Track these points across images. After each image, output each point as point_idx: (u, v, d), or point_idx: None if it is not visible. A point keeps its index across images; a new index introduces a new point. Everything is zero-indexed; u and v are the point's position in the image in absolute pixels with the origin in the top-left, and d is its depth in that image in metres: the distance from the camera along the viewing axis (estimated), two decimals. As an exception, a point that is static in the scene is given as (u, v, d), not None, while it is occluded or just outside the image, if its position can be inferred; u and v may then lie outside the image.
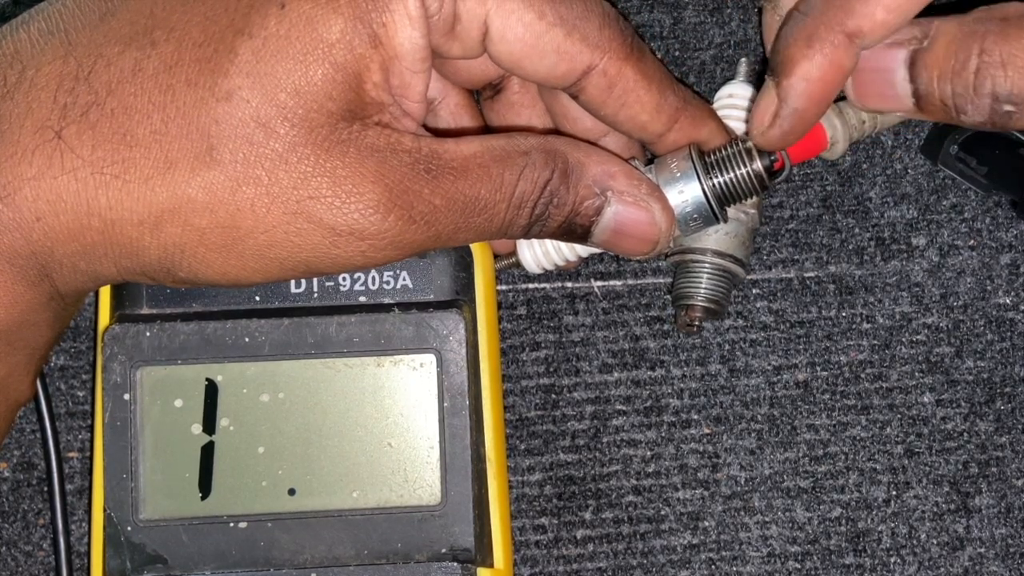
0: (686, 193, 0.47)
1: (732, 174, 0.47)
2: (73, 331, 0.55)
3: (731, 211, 0.50)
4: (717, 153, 0.48)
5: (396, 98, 0.43)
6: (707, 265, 0.51)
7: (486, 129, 0.52)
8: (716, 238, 0.51)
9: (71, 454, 0.54)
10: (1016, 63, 0.41)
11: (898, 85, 0.44)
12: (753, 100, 0.52)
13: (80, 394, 0.54)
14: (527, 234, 0.46)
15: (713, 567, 0.54)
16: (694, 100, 0.48)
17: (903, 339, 0.55)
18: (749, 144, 0.47)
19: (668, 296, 0.55)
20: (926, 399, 0.55)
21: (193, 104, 0.41)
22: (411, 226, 0.43)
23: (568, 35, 0.44)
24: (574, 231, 0.46)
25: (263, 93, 0.41)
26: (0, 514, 0.54)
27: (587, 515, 0.54)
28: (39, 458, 0.54)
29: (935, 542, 0.54)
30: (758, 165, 0.47)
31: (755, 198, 0.48)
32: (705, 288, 0.52)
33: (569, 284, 0.55)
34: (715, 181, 0.47)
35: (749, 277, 0.55)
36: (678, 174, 0.47)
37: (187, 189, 0.41)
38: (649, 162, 0.48)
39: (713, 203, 0.47)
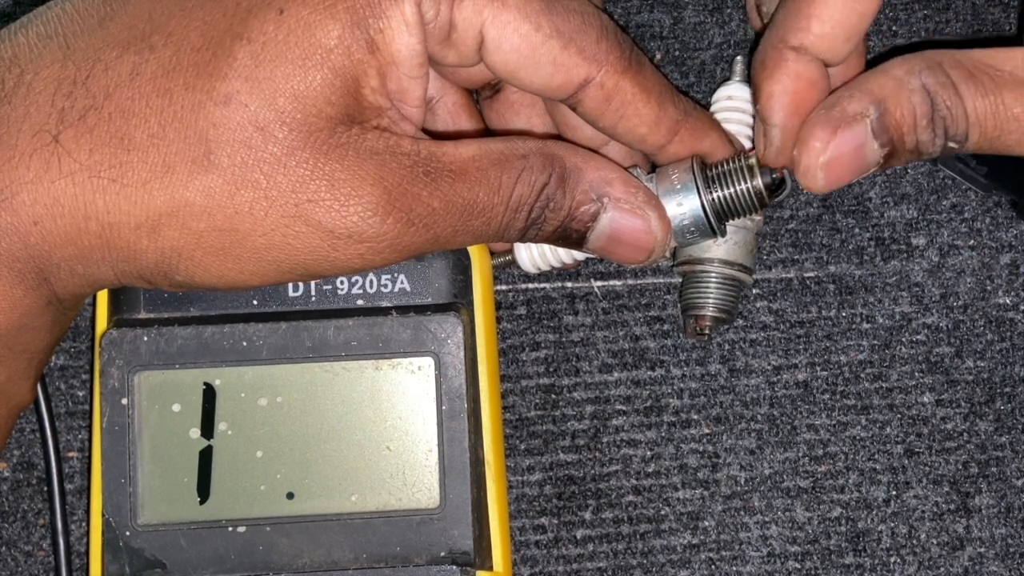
0: (685, 206, 0.47)
1: (732, 189, 0.47)
2: (73, 331, 0.55)
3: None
4: (719, 167, 0.47)
5: (394, 103, 0.43)
6: (714, 274, 0.51)
7: (485, 129, 0.52)
8: (725, 248, 0.51)
9: (71, 454, 0.54)
10: (957, 112, 0.45)
11: (870, 154, 0.46)
12: (751, 101, 0.52)
13: (80, 394, 0.55)
14: (523, 238, 0.45)
15: (713, 567, 0.54)
16: (695, 112, 0.48)
17: (903, 339, 0.55)
18: (752, 160, 0.47)
19: (668, 296, 0.55)
20: (926, 399, 0.55)
21: (191, 108, 0.41)
22: (410, 229, 0.43)
23: (564, 47, 0.44)
24: (569, 236, 0.46)
25: (261, 97, 0.41)
26: (0, 514, 0.54)
27: (587, 515, 0.54)
28: (39, 458, 0.54)
29: (935, 542, 0.54)
30: (759, 182, 0.47)
31: (755, 214, 0.48)
32: (714, 298, 0.52)
33: (569, 284, 0.55)
34: (715, 196, 0.47)
35: (748, 277, 0.55)
36: (678, 185, 0.47)
37: (185, 193, 0.41)
38: (652, 170, 0.48)
39: (711, 217, 0.47)
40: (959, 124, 0.45)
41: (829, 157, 0.45)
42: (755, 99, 0.47)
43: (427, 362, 0.48)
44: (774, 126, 0.47)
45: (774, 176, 0.47)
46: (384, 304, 0.49)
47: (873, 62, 0.47)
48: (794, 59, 0.46)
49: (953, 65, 0.45)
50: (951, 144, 0.45)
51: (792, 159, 0.47)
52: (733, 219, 0.48)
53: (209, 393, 0.48)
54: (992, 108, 0.44)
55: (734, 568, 0.54)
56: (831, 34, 0.46)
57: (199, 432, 0.48)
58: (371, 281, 0.49)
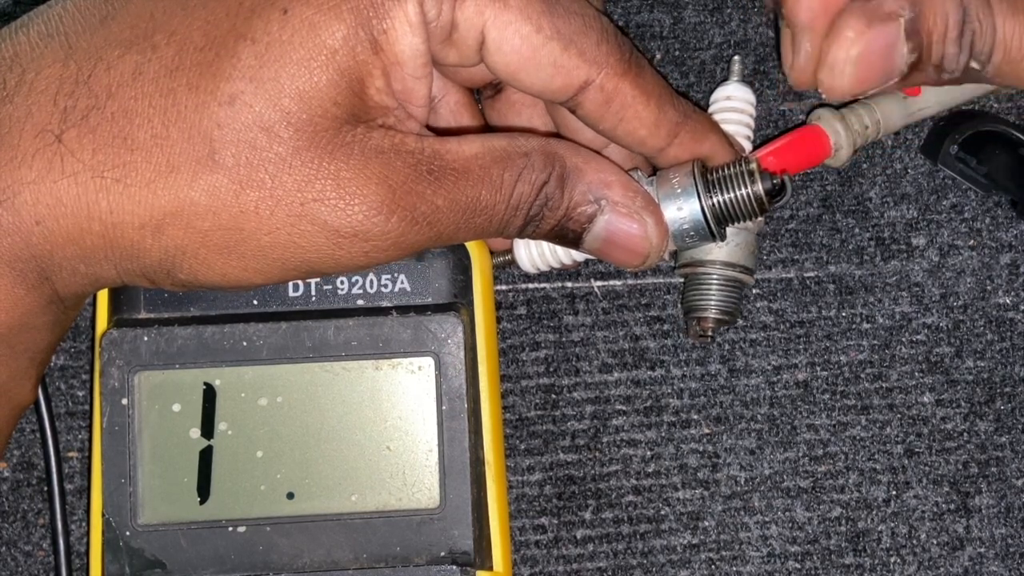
0: (684, 210, 0.47)
1: (732, 194, 0.47)
2: (73, 331, 0.55)
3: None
4: (720, 172, 0.47)
5: (400, 102, 0.43)
6: (716, 276, 0.51)
7: (486, 127, 0.52)
8: (727, 250, 0.51)
9: (71, 454, 0.54)
10: (986, 27, 0.44)
11: (898, 57, 0.44)
12: (750, 101, 0.52)
13: (80, 394, 0.54)
14: (522, 233, 0.46)
15: (713, 567, 0.54)
16: (695, 115, 0.48)
17: (903, 339, 0.55)
18: (752, 165, 0.47)
19: (668, 296, 0.55)
20: (926, 399, 0.55)
21: (195, 108, 0.41)
22: (413, 227, 0.43)
23: (565, 49, 0.44)
24: (565, 235, 0.46)
25: (266, 98, 0.41)
26: (0, 514, 0.54)
27: (587, 515, 0.54)
28: (39, 458, 0.54)
29: (935, 542, 0.54)
30: (759, 187, 0.47)
31: (756, 220, 0.48)
32: (716, 300, 0.52)
33: (569, 284, 0.55)
34: (715, 200, 0.47)
35: (749, 277, 0.55)
36: (679, 190, 0.47)
37: (189, 192, 0.41)
38: (653, 173, 0.48)
39: (711, 222, 0.47)
40: (986, 40, 0.44)
41: (860, 51, 0.44)
42: (781, 9, 0.46)
43: (427, 362, 0.48)
44: (803, 29, 0.45)
45: (774, 181, 0.47)
46: (384, 304, 0.49)
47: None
48: None
49: None
50: (973, 64, 0.44)
51: (819, 65, 0.45)
52: (733, 224, 0.48)
53: (209, 393, 0.48)
54: (1021, 28, 0.44)
55: (734, 568, 0.54)
56: None
57: (199, 432, 0.48)
58: (371, 281, 0.49)
